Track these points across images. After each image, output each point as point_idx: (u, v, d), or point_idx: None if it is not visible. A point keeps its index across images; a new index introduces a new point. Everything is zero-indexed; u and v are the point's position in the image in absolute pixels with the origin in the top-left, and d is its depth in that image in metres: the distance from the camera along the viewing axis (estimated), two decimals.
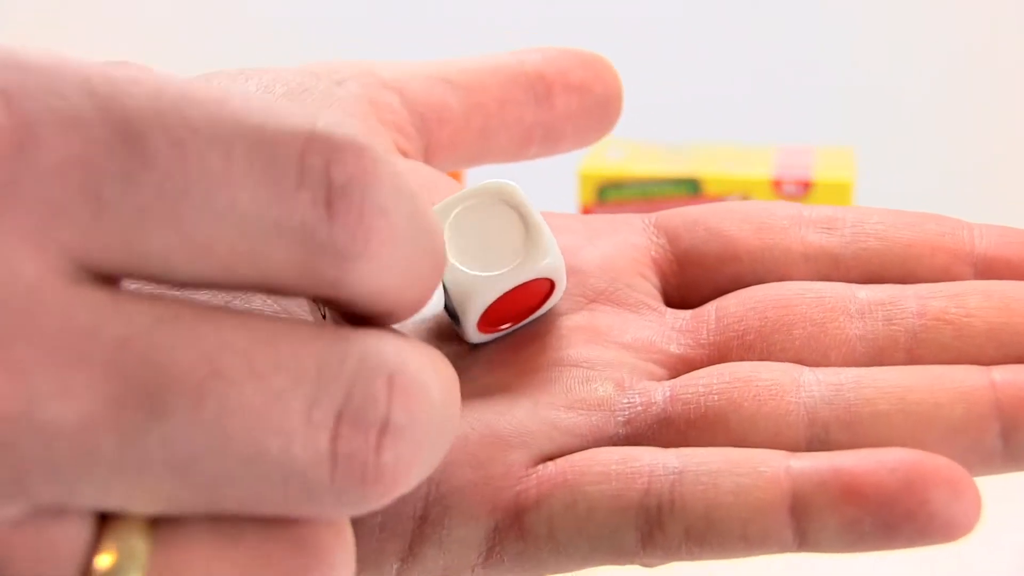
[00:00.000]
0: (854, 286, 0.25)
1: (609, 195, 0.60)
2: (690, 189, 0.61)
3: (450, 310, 0.25)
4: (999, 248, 0.26)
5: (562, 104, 0.30)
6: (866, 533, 0.21)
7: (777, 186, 0.60)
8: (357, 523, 0.22)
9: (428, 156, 0.30)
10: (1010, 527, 0.64)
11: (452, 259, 0.24)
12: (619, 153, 0.63)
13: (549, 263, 0.25)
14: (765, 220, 0.27)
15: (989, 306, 0.24)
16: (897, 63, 0.81)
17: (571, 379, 0.25)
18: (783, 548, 0.22)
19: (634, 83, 0.90)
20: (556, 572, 0.23)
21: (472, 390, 0.24)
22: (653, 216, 0.28)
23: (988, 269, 0.26)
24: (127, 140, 0.16)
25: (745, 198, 0.60)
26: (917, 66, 0.81)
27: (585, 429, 0.24)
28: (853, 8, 0.81)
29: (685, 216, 0.27)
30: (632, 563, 0.23)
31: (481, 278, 0.24)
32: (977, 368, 0.23)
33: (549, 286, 0.25)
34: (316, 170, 0.17)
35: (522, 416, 0.24)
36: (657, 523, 0.22)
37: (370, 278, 0.17)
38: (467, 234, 0.24)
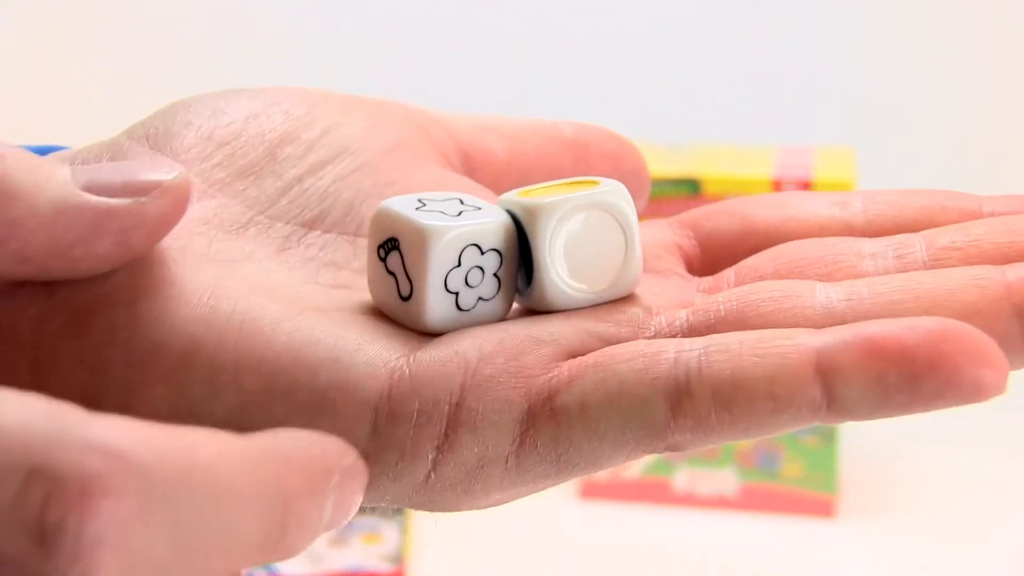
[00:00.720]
0: (865, 239, 0.26)
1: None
2: (690, 189, 0.61)
3: (527, 287, 0.26)
4: (1003, 206, 0.27)
5: (597, 167, 0.31)
6: (892, 387, 0.21)
7: (777, 186, 0.60)
8: (392, 413, 0.23)
9: None
10: (1010, 527, 0.64)
11: (555, 265, 0.25)
12: None
13: (633, 285, 0.26)
14: (781, 200, 0.28)
15: (993, 231, 0.25)
16: (897, 63, 0.81)
17: (603, 307, 0.26)
18: (811, 410, 0.22)
19: (635, 83, 0.90)
20: (589, 458, 0.23)
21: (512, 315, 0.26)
22: (674, 218, 0.29)
23: None
24: None
25: None
26: (917, 66, 0.81)
27: (614, 337, 0.25)
28: (853, 9, 0.81)
29: (705, 209, 0.29)
30: (664, 442, 0.23)
31: (573, 296, 0.25)
32: (988, 266, 0.24)
33: None
34: (30, 510, 0.17)
35: (556, 322, 0.25)
36: (686, 390, 0.22)
37: None
38: (574, 241, 0.25)
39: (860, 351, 0.22)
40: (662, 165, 0.61)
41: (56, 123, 0.82)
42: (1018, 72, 0.80)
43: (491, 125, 0.31)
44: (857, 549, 0.64)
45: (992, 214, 0.27)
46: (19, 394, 0.19)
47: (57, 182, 0.22)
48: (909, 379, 0.21)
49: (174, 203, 0.24)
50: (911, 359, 0.21)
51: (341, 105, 0.29)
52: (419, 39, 0.82)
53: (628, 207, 0.26)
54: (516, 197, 0.26)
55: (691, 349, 0.23)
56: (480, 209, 0.26)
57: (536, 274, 0.25)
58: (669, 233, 0.29)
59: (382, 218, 0.25)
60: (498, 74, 0.82)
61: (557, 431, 0.23)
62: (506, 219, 0.25)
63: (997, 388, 0.21)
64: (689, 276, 0.28)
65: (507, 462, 0.23)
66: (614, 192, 0.26)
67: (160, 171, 0.23)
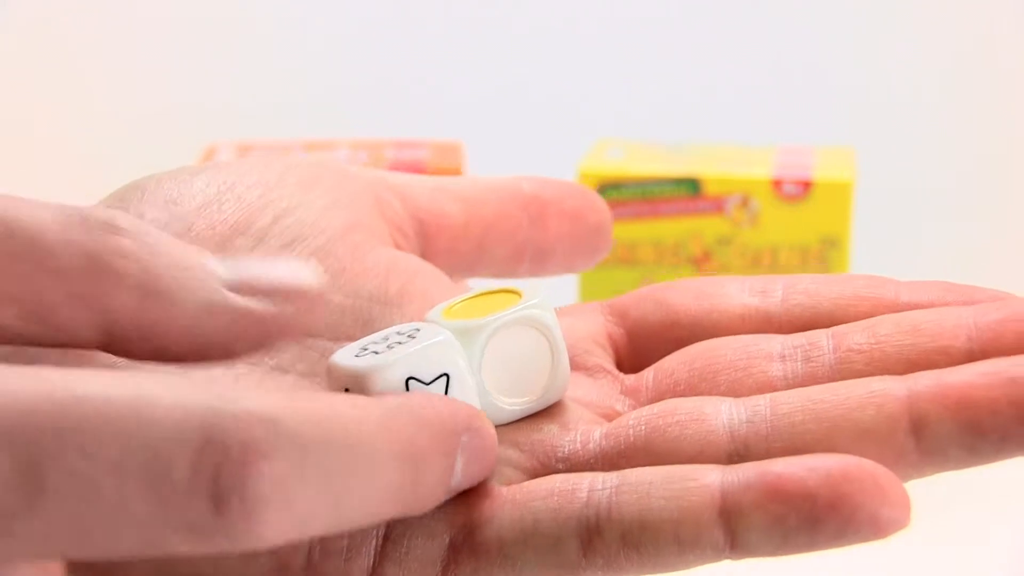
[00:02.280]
0: (779, 335, 0.27)
1: (609, 195, 0.60)
2: (690, 189, 0.61)
3: None
4: (919, 296, 0.27)
5: (554, 227, 0.33)
6: (792, 529, 0.22)
7: (777, 186, 0.60)
8: (324, 548, 0.25)
9: (425, 259, 0.32)
10: (1010, 527, 0.64)
11: (485, 383, 0.26)
12: (619, 153, 0.63)
13: (562, 391, 0.27)
14: (704, 289, 0.29)
15: (898, 331, 0.26)
16: (898, 63, 0.81)
17: (522, 423, 0.27)
18: (716, 550, 0.23)
19: (634, 83, 0.90)
20: None
21: None
22: (606, 302, 0.30)
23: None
24: (27, 472, 0.19)
25: (745, 198, 0.60)
26: (918, 66, 0.81)
27: (528, 465, 0.26)
28: (853, 8, 0.81)
29: (635, 295, 0.30)
30: None
31: (506, 410, 0.27)
32: (890, 377, 0.25)
33: None
34: (205, 478, 0.19)
35: None
36: (596, 530, 0.24)
37: (265, 541, 0.20)
38: (501, 361, 0.27)
39: (762, 493, 0.22)
40: (662, 165, 0.61)
41: (56, 123, 0.82)
42: (1018, 72, 0.80)
43: (449, 188, 0.32)
44: (857, 549, 0.64)
45: (909, 304, 0.27)
46: (177, 378, 0.21)
47: (206, 281, 0.23)
48: (809, 521, 0.22)
49: (310, 307, 0.24)
50: (811, 501, 0.22)
51: (298, 184, 0.29)
52: (419, 39, 0.82)
53: (551, 320, 0.27)
54: (440, 318, 0.27)
55: (603, 488, 0.24)
56: (415, 338, 0.26)
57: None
58: (601, 321, 0.30)
59: (333, 374, 0.26)
60: (498, 74, 0.82)
61: (477, 566, 0.24)
62: (444, 340, 0.26)
63: (899, 525, 0.22)
64: (615, 372, 0.29)
65: None
66: (537, 305, 0.27)
67: (301, 276, 0.24)
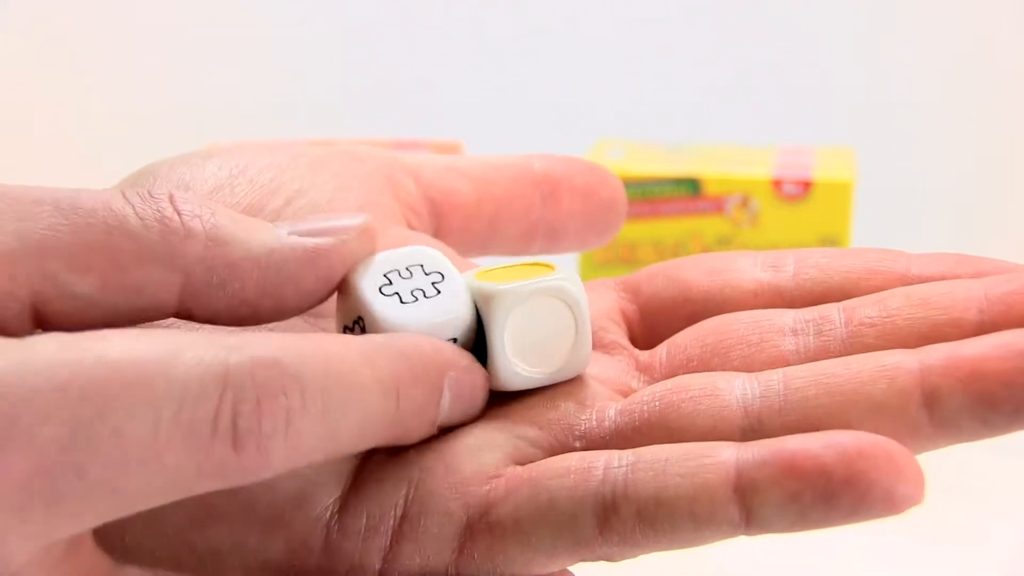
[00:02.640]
0: (790, 310, 0.27)
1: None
2: (690, 189, 0.61)
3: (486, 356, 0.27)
4: (931, 269, 0.27)
5: (566, 204, 0.33)
6: (808, 506, 0.22)
7: (777, 186, 0.60)
8: (343, 526, 0.25)
9: (438, 238, 0.32)
10: (1010, 527, 0.64)
11: (507, 349, 0.27)
12: (619, 153, 0.63)
13: (582, 367, 0.27)
14: (716, 265, 0.29)
15: (909, 304, 0.26)
16: (898, 63, 0.81)
17: (540, 400, 0.27)
18: (731, 527, 0.23)
19: (634, 83, 0.90)
20: (524, 567, 0.25)
21: None
22: (619, 279, 0.31)
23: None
24: (74, 440, 0.20)
25: (745, 198, 0.60)
26: (918, 66, 0.81)
27: (546, 442, 0.26)
28: (853, 8, 0.81)
29: (647, 271, 0.30)
30: (594, 553, 0.24)
31: (522, 376, 0.27)
32: (901, 351, 0.25)
33: None
34: (226, 423, 0.21)
35: (492, 430, 0.26)
36: (612, 507, 0.24)
37: (273, 471, 0.22)
38: (525, 328, 0.27)
39: (777, 470, 0.22)
40: (662, 165, 0.61)
41: (56, 123, 0.82)
42: (1018, 72, 0.80)
43: (460, 167, 0.32)
44: (857, 549, 0.64)
45: (919, 277, 0.27)
46: (186, 332, 0.22)
47: (265, 228, 0.25)
48: (825, 497, 0.22)
49: (369, 240, 0.26)
50: (827, 477, 0.22)
51: (309, 166, 0.30)
52: (419, 39, 0.82)
53: (579, 294, 0.27)
54: (473, 280, 0.27)
55: (619, 466, 0.24)
56: (439, 294, 0.26)
57: (489, 357, 0.27)
58: (613, 297, 0.30)
59: (349, 294, 0.26)
60: (498, 74, 0.82)
61: (493, 543, 0.25)
62: (464, 308, 0.26)
63: (913, 501, 0.22)
64: (630, 348, 0.29)
65: (447, 571, 0.25)
66: (567, 279, 0.27)
67: (352, 218, 0.26)
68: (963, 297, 0.25)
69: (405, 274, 0.26)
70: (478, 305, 0.27)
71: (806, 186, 0.60)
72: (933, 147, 0.81)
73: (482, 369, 0.26)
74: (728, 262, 0.29)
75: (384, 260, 0.27)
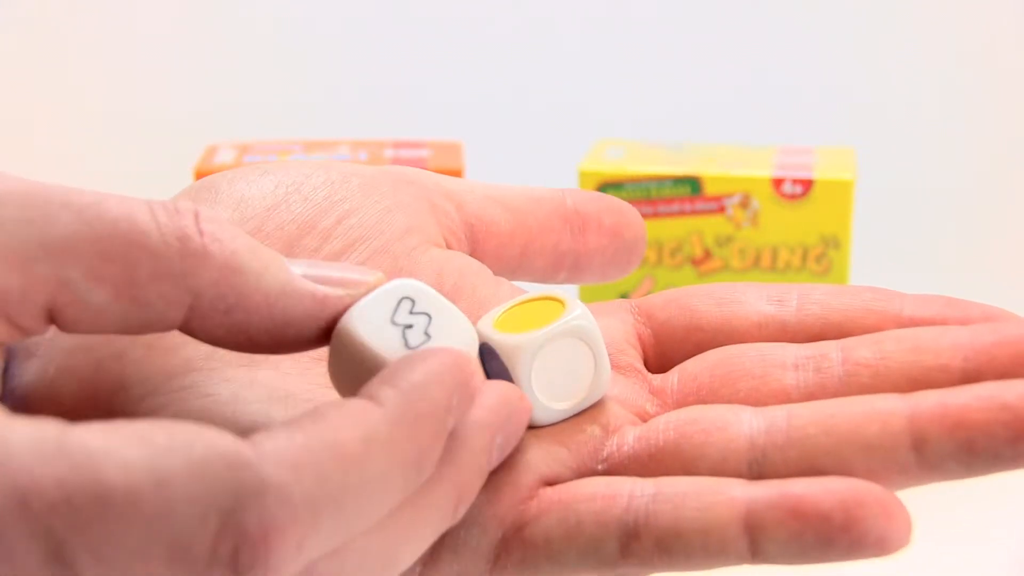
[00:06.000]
0: (792, 344, 0.30)
1: (610, 195, 0.60)
2: (690, 189, 0.61)
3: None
4: (922, 311, 0.30)
5: (593, 241, 0.35)
6: (808, 545, 0.25)
7: (777, 186, 0.60)
8: None
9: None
10: (1010, 527, 0.64)
11: (535, 390, 0.29)
12: (619, 153, 0.63)
13: (603, 392, 0.30)
14: (726, 296, 0.32)
15: (901, 349, 0.28)
16: (898, 64, 0.81)
17: (567, 424, 0.29)
18: (739, 557, 0.26)
19: (634, 83, 0.90)
20: None
21: None
22: (634, 301, 0.33)
23: (912, 327, 0.30)
24: (57, 558, 0.21)
25: (745, 198, 0.60)
26: (918, 67, 0.81)
27: (574, 464, 0.29)
28: (853, 9, 0.81)
29: (661, 298, 0.33)
30: (614, 572, 0.27)
31: (554, 410, 0.29)
32: (893, 395, 0.27)
33: None
34: (225, 557, 0.21)
35: (527, 449, 0.28)
36: (634, 534, 0.26)
37: None
38: (549, 370, 0.29)
39: (783, 512, 0.25)
40: (662, 165, 0.61)
41: (56, 123, 0.82)
42: (1018, 72, 0.80)
43: (498, 197, 0.34)
44: None
45: (911, 319, 0.30)
46: (197, 431, 0.22)
47: (280, 266, 0.26)
48: (824, 539, 0.25)
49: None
50: (826, 521, 0.25)
51: (360, 187, 0.32)
52: (419, 39, 0.82)
53: (595, 331, 0.29)
54: (492, 330, 0.29)
55: (641, 495, 0.27)
56: (436, 328, 0.27)
57: None
58: (631, 321, 0.32)
59: (354, 343, 0.27)
60: (498, 74, 0.82)
61: (525, 557, 0.27)
62: (469, 335, 0.28)
63: (901, 544, 0.25)
64: (644, 371, 0.31)
65: None
66: (581, 317, 0.29)
67: (367, 273, 0.27)
68: (950, 345, 0.28)
69: (403, 320, 0.27)
70: (502, 356, 0.29)
71: (806, 186, 0.60)
72: (933, 147, 0.81)
73: (527, 404, 0.28)
74: (737, 293, 0.32)
75: (375, 302, 0.27)
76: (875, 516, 0.25)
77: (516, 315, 0.30)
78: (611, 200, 0.36)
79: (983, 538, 0.63)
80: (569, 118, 0.80)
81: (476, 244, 0.33)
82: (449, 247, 0.33)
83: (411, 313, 0.27)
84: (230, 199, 0.30)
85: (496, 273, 0.33)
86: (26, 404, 0.27)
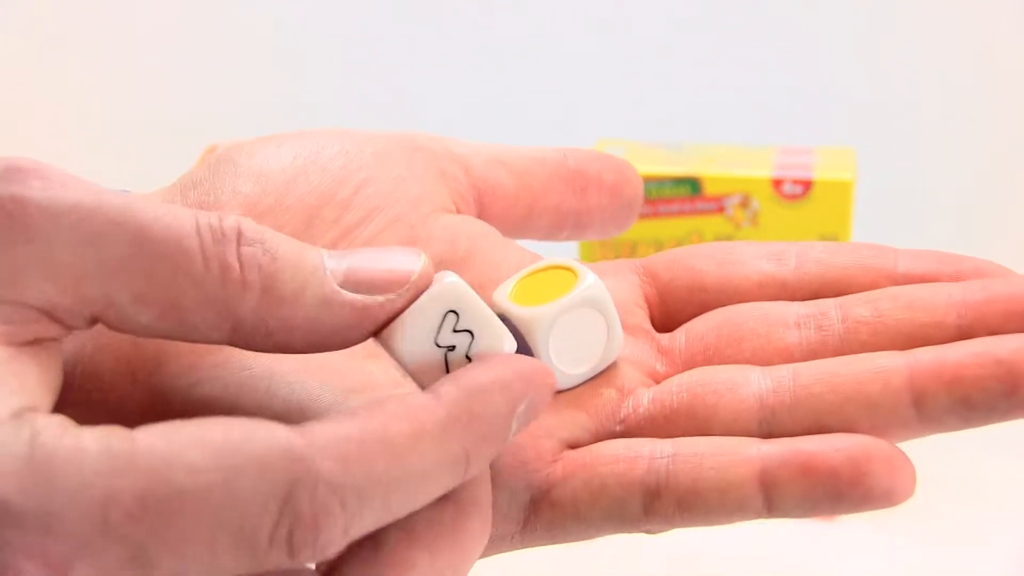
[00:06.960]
0: (793, 303, 0.31)
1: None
2: (690, 189, 0.61)
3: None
4: (916, 267, 0.31)
5: (595, 200, 0.36)
6: (820, 499, 0.27)
7: (777, 186, 0.60)
8: None
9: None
10: (1010, 527, 0.64)
11: (552, 358, 0.30)
12: (619, 153, 0.63)
13: (615, 355, 0.31)
14: (727, 256, 0.33)
15: (896, 306, 0.30)
16: (898, 64, 0.81)
17: (585, 388, 0.31)
18: (755, 513, 0.27)
19: (635, 84, 0.90)
20: (578, 538, 0.29)
21: None
22: (639, 262, 0.34)
23: (907, 283, 0.31)
24: (137, 560, 0.22)
25: (745, 198, 0.60)
26: (918, 67, 0.81)
27: (593, 426, 0.30)
28: (853, 9, 0.81)
29: (664, 259, 0.34)
30: (638, 529, 0.28)
31: (571, 375, 0.31)
32: (894, 352, 0.29)
33: None
34: (282, 538, 0.23)
35: (548, 417, 0.30)
36: (655, 494, 0.28)
37: (326, 559, 0.24)
38: (565, 338, 0.30)
39: (795, 469, 0.27)
40: (662, 165, 0.61)
41: (56, 123, 0.82)
42: (1018, 72, 0.80)
43: (504, 159, 0.35)
44: (858, 550, 0.64)
45: (906, 275, 0.31)
46: (251, 427, 0.23)
47: (319, 281, 0.26)
48: (834, 493, 0.27)
49: (416, 294, 0.27)
50: (836, 477, 0.27)
51: (374, 155, 0.33)
52: (419, 39, 0.82)
53: (607, 299, 0.31)
54: (508, 303, 0.30)
55: (661, 456, 0.28)
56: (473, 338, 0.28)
57: None
58: (636, 282, 0.34)
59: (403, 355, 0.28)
60: (498, 74, 0.82)
61: (553, 519, 0.29)
62: (504, 336, 0.28)
63: (906, 495, 0.27)
64: (652, 331, 0.33)
65: (512, 539, 0.29)
66: (594, 286, 0.30)
67: (409, 260, 0.27)
68: (944, 303, 0.29)
69: (448, 331, 0.28)
70: (519, 328, 0.30)
71: (806, 186, 0.60)
72: (933, 147, 0.81)
73: (551, 377, 0.27)
74: (735, 253, 0.33)
75: (419, 316, 0.27)
76: (881, 470, 0.26)
77: (530, 286, 0.31)
78: (610, 158, 0.37)
79: (983, 538, 0.63)
80: (569, 118, 0.80)
81: (483, 207, 0.35)
82: (459, 211, 0.34)
83: (455, 331, 0.27)
84: (249, 172, 0.31)
85: (502, 232, 0.35)
86: (65, 381, 0.27)
